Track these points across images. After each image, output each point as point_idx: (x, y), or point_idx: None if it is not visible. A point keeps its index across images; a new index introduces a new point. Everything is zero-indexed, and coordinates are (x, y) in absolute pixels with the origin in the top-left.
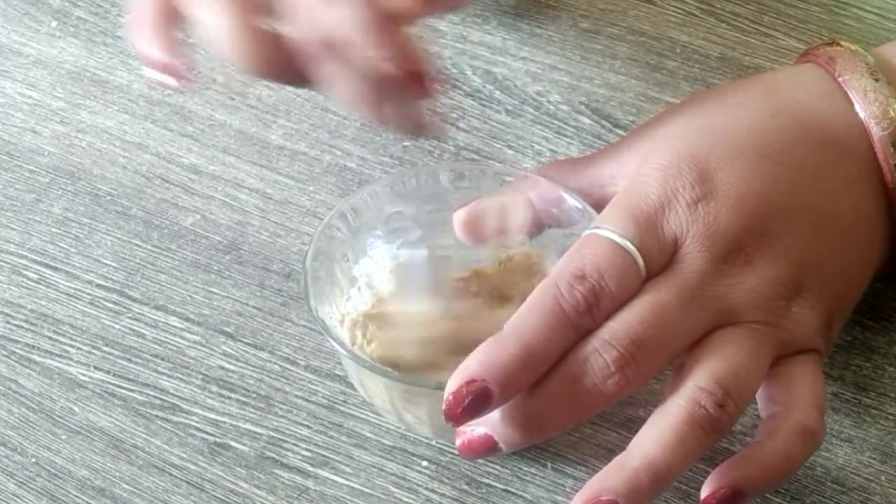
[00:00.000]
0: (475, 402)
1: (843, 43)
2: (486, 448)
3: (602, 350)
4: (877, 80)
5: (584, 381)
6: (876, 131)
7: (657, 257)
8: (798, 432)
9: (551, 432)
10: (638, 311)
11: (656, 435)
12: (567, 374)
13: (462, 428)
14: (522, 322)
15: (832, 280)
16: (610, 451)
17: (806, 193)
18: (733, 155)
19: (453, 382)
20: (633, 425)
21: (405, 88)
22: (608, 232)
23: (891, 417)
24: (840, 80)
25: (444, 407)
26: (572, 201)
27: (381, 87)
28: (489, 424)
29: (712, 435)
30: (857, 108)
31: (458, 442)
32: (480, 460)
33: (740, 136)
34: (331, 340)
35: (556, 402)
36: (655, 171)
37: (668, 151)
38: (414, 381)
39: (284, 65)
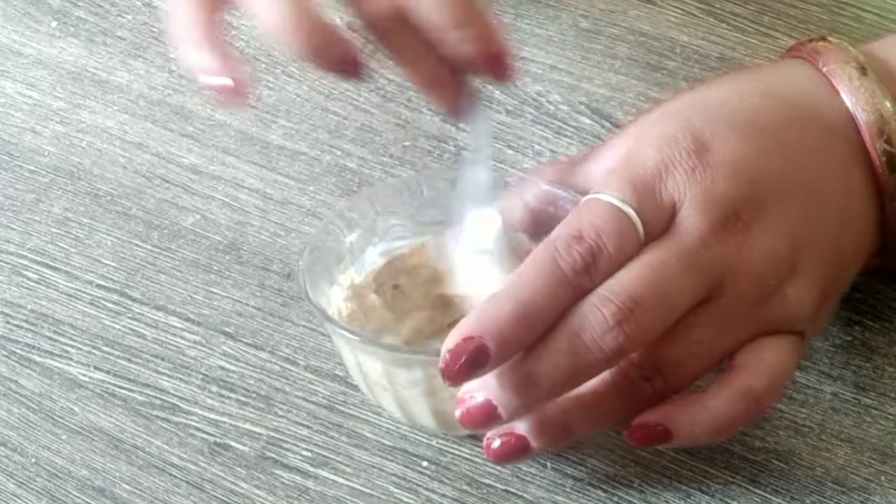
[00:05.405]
0: (472, 358)
1: (828, 38)
2: (486, 415)
3: (600, 305)
4: (862, 69)
5: (582, 337)
6: (863, 117)
7: (655, 221)
8: (743, 393)
9: (550, 394)
10: (637, 270)
11: (578, 393)
12: (565, 330)
13: (462, 396)
14: (519, 281)
15: (827, 261)
16: (610, 451)
17: (799, 170)
18: (727, 128)
19: (450, 340)
20: None
21: (489, 70)
22: (607, 196)
23: (891, 417)
24: (824, 70)
25: (441, 365)
26: (569, 199)
27: (461, 70)
28: (487, 389)
29: (633, 403)
30: (843, 95)
31: (458, 413)
32: (479, 460)
33: (732, 111)
34: (328, 325)
35: (554, 360)
36: (652, 140)
37: (663, 125)
38: (411, 350)
39: (340, 52)
